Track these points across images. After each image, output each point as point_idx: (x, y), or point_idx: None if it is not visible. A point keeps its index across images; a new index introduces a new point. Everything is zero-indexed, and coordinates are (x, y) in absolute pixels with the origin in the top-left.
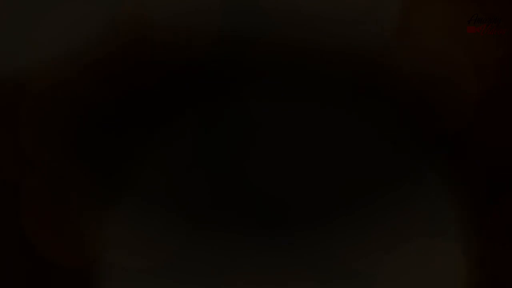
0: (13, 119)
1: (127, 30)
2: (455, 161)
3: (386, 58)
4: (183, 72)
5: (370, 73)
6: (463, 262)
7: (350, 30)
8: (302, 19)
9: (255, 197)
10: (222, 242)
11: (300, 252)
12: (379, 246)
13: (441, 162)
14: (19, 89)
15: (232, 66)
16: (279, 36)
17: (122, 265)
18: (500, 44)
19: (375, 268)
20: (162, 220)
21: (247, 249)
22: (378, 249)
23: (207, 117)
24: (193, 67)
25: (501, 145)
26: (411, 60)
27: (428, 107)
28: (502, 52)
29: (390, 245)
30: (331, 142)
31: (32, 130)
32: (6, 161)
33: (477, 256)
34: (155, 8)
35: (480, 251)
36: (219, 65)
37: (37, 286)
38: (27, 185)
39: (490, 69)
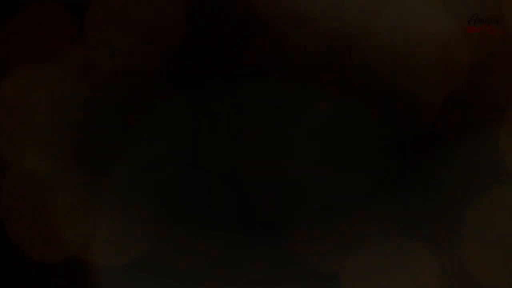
0: None
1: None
2: (426, 160)
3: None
4: (178, 71)
5: (360, 72)
6: (433, 263)
7: (340, 29)
8: (295, 18)
9: (254, 197)
10: (222, 242)
11: (300, 252)
12: (379, 246)
13: (413, 161)
14: None
15: (228, 65)
16: (274, 35)
17: (121, 265)
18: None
19: (375, 268)
20: (161, 220)
21: (247, 249)
22: (378, 250)
23: (206, 117)
24: (187, 66)
25: (469, 144)
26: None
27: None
28: (472, 51)
29: (390, 245)
30: (330, 140)
31: (10, 131)
32: None
33: (448, 257)
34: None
35: (452, 253)
36: (214, 63)
37: (19, 283)
38: (6, 185)
39: (458, 68)
